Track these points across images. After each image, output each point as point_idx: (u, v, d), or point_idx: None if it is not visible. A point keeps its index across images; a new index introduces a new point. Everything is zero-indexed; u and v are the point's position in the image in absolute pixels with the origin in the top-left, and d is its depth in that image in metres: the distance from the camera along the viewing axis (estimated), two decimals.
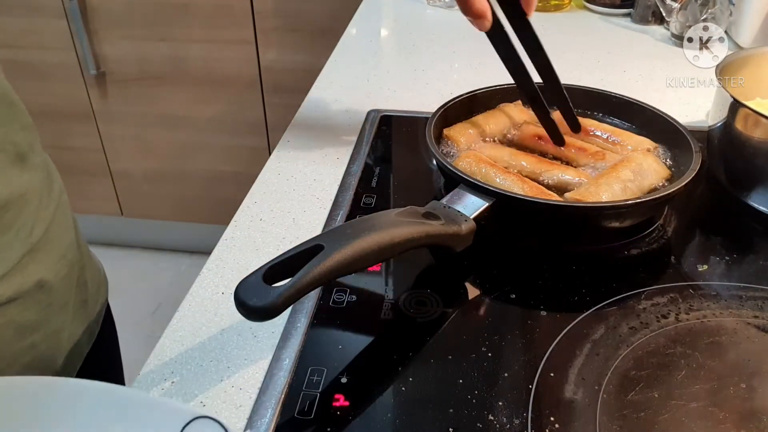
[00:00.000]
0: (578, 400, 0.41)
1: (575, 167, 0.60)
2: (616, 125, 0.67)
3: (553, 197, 0.55)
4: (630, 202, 0.53)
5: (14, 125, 0.49)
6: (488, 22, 0.56)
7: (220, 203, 1.84)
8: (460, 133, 0.63)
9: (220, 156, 1.82)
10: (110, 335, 0.64)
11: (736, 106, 0.58)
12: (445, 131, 0.63)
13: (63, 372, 0.53)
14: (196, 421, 0.34)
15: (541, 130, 0.63)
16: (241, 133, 1.77)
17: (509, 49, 0.58)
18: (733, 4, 0.93)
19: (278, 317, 0.39)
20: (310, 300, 0.48)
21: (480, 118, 0.66)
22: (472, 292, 0.51)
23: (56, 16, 1.63)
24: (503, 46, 0.58)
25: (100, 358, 0.60)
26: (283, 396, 0.41)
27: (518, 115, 0.67)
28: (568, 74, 0.81)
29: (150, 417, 0.34)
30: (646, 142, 0.62)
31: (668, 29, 1.00)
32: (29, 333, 0.48)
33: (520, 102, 0.68)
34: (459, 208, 0.51)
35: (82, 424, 0.35)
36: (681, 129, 0.60)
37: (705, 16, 0.91)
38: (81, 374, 0.56)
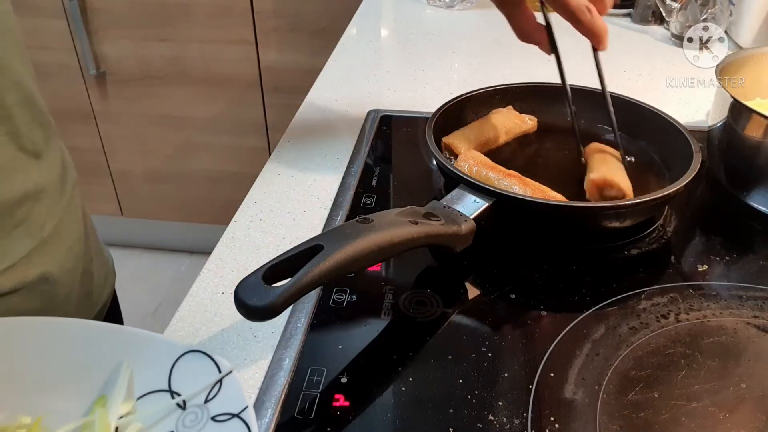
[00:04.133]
0: (578, 400, 0.41)
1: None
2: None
3: (556, 197, 0.55)
4: (630, 202, 0.53)
5: (34, 124, 0.50)
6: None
7: (220, 203, 1.84)
8: (459, 140, 0.63)
9: (220, 156, 1.82)
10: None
11: (736, 106, 0.58)
12: (444, 139, 0.63)
13: None
14: (188, 354, 0.38)
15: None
16: (241, 133, 1.77)
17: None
18: (733, 4, 0.93)
19: (278, 317, 0.39)
20: (310, 300, 0.48)
21: (476, 125, 0.65)
22: (472, 292, 0.51)
23: (56, 16, 1.63)
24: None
25: None
26: (283, 396, 0.41)
27: (511, 121, 0.67)
28: (568, 74, 0.81)
29: (148, 350, 0.39)
30: None
31: (668, 29, 1.00)
32: None
33: (511, 107, 0.68)
34: (459, 208, 0.51)
35: (90, 356, 0.39)
36: (681, 129, 0.60)
37: (705, 16, 0.91)
38: None
